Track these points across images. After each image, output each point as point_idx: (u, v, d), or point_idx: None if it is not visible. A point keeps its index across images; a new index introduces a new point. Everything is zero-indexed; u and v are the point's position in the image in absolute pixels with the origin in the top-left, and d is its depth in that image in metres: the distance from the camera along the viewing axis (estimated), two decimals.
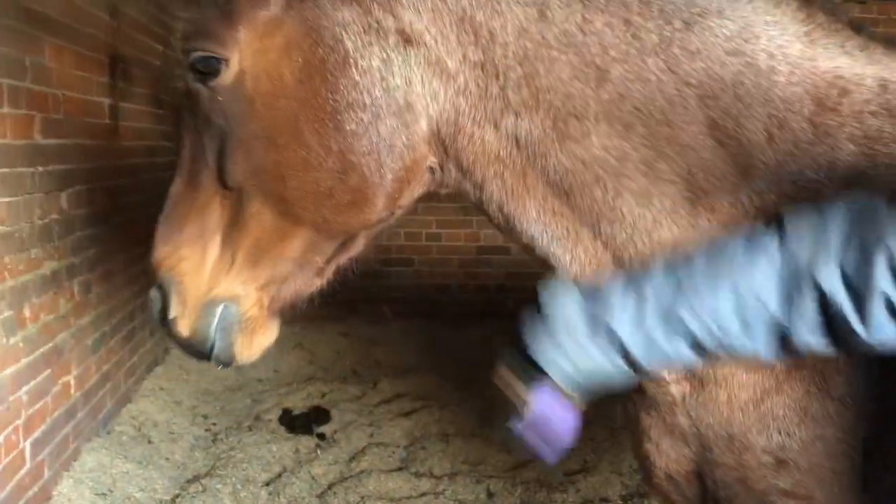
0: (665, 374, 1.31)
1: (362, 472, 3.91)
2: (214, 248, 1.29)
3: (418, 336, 5.54)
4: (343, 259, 1.38)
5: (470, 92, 1.24)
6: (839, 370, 1.19)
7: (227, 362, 1.36)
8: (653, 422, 1.39)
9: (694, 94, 1.21)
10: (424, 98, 1.24)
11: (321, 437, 4.31)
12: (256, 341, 1.35)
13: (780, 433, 1.22)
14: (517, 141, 1.25)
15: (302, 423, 4.45)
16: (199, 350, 1.36)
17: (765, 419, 1.23)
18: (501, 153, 1.26)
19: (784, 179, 1.21)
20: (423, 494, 3.74)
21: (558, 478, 3.94)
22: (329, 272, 1.38)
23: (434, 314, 5.66)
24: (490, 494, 3.82)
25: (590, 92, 1.20)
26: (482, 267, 6.13)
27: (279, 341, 5.05)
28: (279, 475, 3.83)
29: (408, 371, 5.19)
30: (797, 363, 1.20)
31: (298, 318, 5.48)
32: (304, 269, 1.32)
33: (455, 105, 1.25)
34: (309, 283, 1.35)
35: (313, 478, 3.85)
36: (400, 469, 3.98)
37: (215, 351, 1.35)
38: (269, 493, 3.66)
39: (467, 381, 4.99)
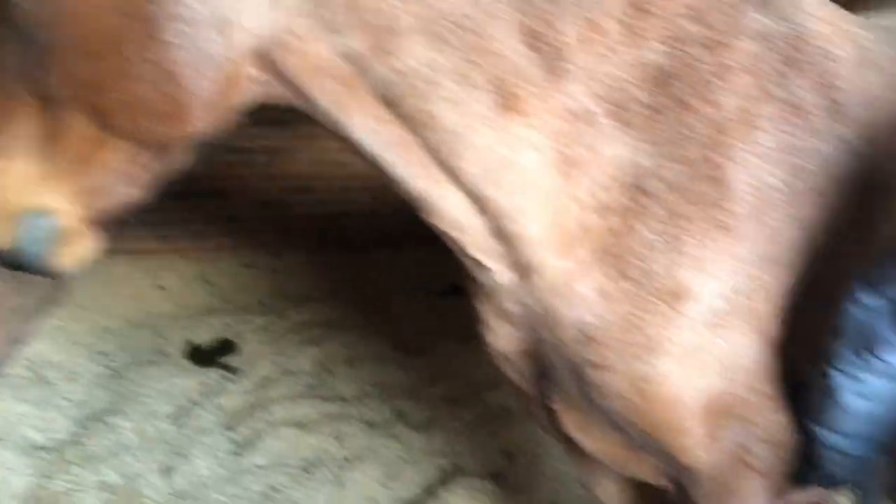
0: (492, 263, 1.40)
1: (270, 400, 3.91)
2: (27, 159, 1.24)
3: (323, 265, 5.50)
4: (164, 170, 1.36)
5: (290, 7, 1.23)
6: (634, 253, 1.34)
7: (44, 273, 1.34)
8: (488, 308, 1.52)
9: (506, 1, 1.25)
10: (245, 11, 1.21)
11: (228, 368, 4.27)
12: (74, 251, 1.33)
13: (586, 312, 1.36)
14: (341, 56, 1.27)
15: (207, 355, 4.40)
16: (13, 261, 1.34)
17: (574, 300, 1.36)
18: (327, 68, 1.28)
19: (596, 81, 1.29)
20: (331, 417, 3.79)
21: (465, 393, 4.06)
22: (150, 184, 1.35)
23: (339, 241, 5.61)
24: (399, 414, 3.91)
25: (400, 7, 1.23)
26: (387, 192, 6.08)
27: (182, 275, 4.92)
28: (185, 408, 3.80)
29: (314, 300, 5.17)
30: (602, 249, 1.35)
31: (201, 249, 5.37)
32: (122, 181, 1.29)
33: (276, 20, 1.24)
34: (128, 194, 1.33)
35: (221, 409, 3.83)
36: (308, 395, 4.01)
37: (31, 261, 1.32)
38: (175, 426, 3.63)
39: (374, 307, 5.02)
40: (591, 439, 1.56)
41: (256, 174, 5.54)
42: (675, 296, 1.33)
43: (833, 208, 1.37)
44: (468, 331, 1.68)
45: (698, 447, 1.41)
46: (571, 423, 1.56)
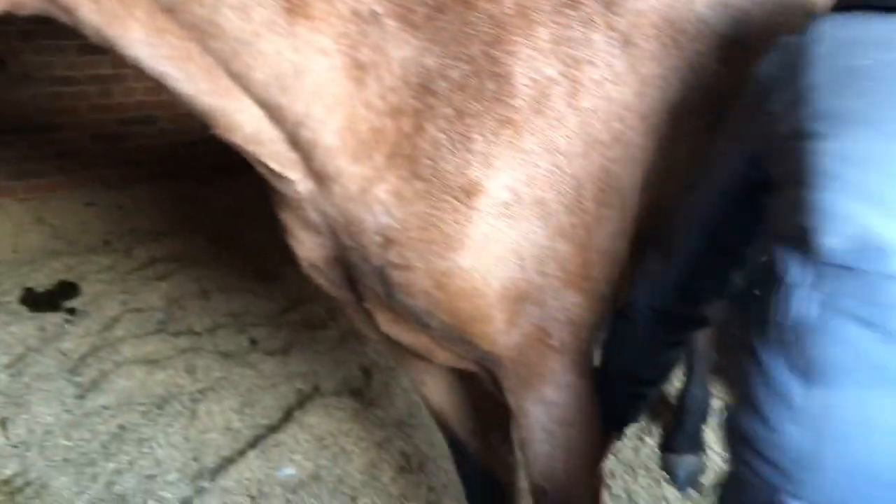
0: (291, 173, 1.38)
1: (117, 340, 3.77)
2: None
3: (170, 197, 5.29)
4: None
5: None
6: (426, 154, 1.35)
7: None
8: (291, 217, 1.51)
9: None
10: None
11: (70, 311, 4.07)
12: None
13: (384, 215, 1.37)
14: None
15: (46, 300, 4.18)
16: None
17: (371, 205, 1.37)
18: None
19: None
20: (183, 352, 3.70)
21: (321, 316, 4.05)
22: None
23: (183, 173, 5.39)
24: (253, 342, 3.86)
25: None
26: None
27: (15, 218, 4.58)
28: (22, 356, 3.60)
29: (162, 234, 4.98)
30: (395, 152, 1.35)
31: (35, 189, 5.00)
32: None
33: None
34: None
35: (62, 353, 3.66)
36: (158, 331, 3.89)
37: None
38: (11, 376, 3.45)
39: (223, 238, 4.89)
40: (403, 334, 1.59)
41: (88, 106, 5.20)
42: (466, 192, 1.34)
43: (610, 97, 1.41)
44: None
45: (499, 333, 1.46)
46: (383, 321, 1.58)
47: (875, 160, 1.01)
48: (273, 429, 3.23)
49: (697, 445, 2.98)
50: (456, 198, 1.35)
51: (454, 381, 1.93)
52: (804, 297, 1.03)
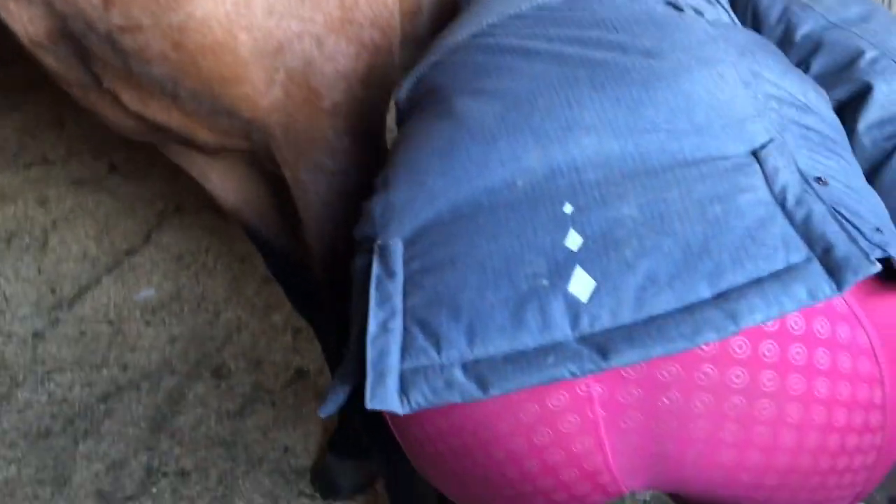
0: None
1: None
2: None
3: None
4: None
5: None
6: None
7: None
8: None
9: None
10: None
11: None
12: None
13: None
14: None
15: None
16: None
17: None
18: None
19: None
20: (34, 183, 3.46)
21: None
22: None
23: None
24: (112, 167, 3.62)
25: None
26: None
27: None
28: None
29: (8, 60, 4.55)
30: None
31: None
32: None
33: None
34: None
35: None
36: (6, 166, 3.62)
37: None
38: None
39: None
40: (155, 112, 1.38)
41: None
42: None
43: None
44: None
45: (258, 95, 1.26)
46: (130, 100, 1.35)
47: None
48: (132, 252, 3.09)
49: None
50: None
51: (245, 173, 1.76)
52: None
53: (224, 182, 1.77)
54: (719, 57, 1.00)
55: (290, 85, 1.28)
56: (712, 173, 0.88)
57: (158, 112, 1.37)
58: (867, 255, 0.79)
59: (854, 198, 0.92)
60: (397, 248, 0.94)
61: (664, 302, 0.80)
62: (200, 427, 2.41)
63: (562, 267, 0.84)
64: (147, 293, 2.91)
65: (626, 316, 0.80)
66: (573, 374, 0.80)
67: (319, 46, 1.27)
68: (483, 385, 0.81)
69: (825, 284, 0.79)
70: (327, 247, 1.47)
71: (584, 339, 0.81)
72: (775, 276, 0.79)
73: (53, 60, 1.35)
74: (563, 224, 0.86)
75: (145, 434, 2.40)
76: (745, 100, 0.96)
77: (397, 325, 0.87)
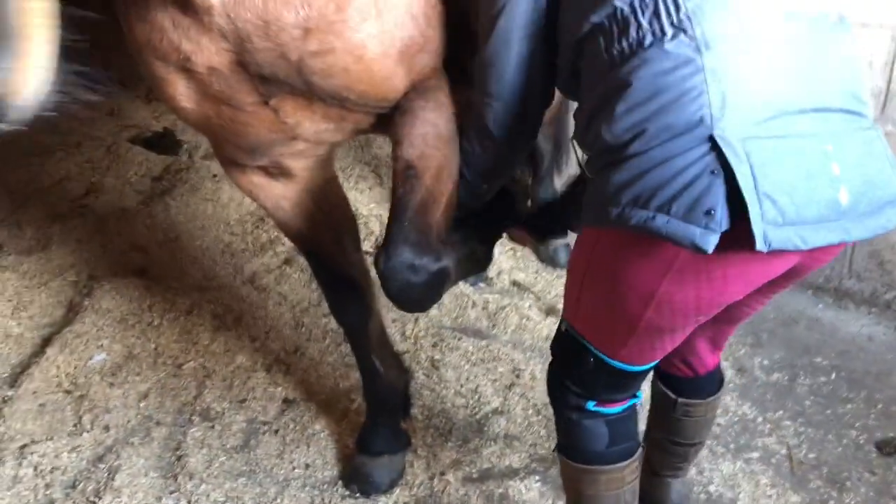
0: None
1: None
2: None
3: None
4: None
5: None
6: None
7: None
8: (190, 23, 1.53)
9: None
10: None
11: None
12: None
13: (302, 8, 1.51)
14: None
15: None
16: None
17: (290, 2, 1.50)
18: None
19: None
20: None
21: (66, 206, 3.74)
22: None
23: None
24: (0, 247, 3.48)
25: None
26: None
27: None
28: None
29: None
30: None
31: None
32: None
33: None
34: None
35: None
36: None
37: None
38: None
39: None
40: (307, 118, 1.72)
41: None
42: None
43: None
44: None
45: (400, 83, 1.68)
46: (292, 110, 1.69)
47: None
48: (65, 323, 3.03)
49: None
50: None
51: (309, 203, 2.04)
52: None
53: (294, 209, 2.02)
54: None
55: (421, 71, 1.71)
56: None
57: (312, 118, 1.69)
58: None
59: None
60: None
61: None
62: (213, 464, 2.50)
63: None
64: (99, 357, 2.90)
65: None
66: None
67: (438, 44, 1.73)
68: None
69: None
70: (419, 145, 1.72)
71: None
72: None
73: (223, 85, 1.62)
74: None
75: (160, 481, 2.44)
76: None
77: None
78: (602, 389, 1.65)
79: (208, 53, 1.55)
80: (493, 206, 1.91)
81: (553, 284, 3.36)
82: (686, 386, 1.93)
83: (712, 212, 1.23)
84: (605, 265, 1.47)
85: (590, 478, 1.74)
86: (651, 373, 1.78)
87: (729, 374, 2.84)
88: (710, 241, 1.24)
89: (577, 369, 1.64)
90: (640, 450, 1.78)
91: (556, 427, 1.79)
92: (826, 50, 1.38)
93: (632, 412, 1.74)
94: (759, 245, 1.23)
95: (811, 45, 1.37)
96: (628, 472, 1.74)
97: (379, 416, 2.43)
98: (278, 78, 1.59)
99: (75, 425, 2.64)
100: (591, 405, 1.66)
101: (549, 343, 1.76)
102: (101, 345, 2.94)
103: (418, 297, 1.73)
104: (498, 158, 1.76)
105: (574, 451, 1.74)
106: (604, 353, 1.57)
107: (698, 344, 1.85)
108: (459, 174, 1.75)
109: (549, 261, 3.49)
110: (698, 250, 1.25)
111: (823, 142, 1.30)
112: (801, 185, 1.27)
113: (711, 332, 1.81)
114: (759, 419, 2.66)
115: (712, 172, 1.24)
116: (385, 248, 1.64)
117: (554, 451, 1.82)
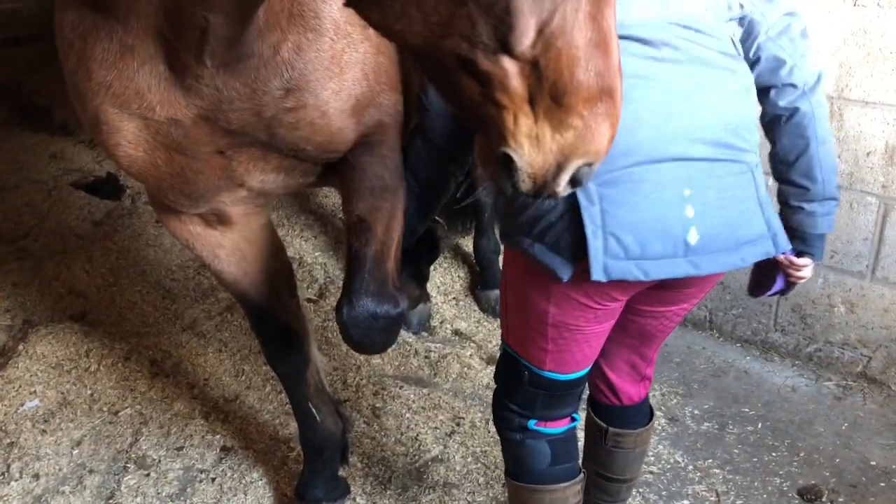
0: (207, 60, 1.51)
1: None
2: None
3: None
4: None
5: None
6: (306, 5, 1.61)
7: None
8: (170, 77, 1.56)
9: None
10: None
11: None
12: None
13: (288, 71, 1.59)
14: None
15: None
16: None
17: (280, 65, 1.59)
18: None
19: None
20: None
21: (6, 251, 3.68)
22: None
23: None
24: None
25: None
26: None
27: None
28: None
29: None
30: (290, 12, 1.58)
31: None
32: None
33: None
34: None
35: None
36: None
37: None
38: None
39: None
40: (264, 169, 1.80)
41: None
42: (336, 28, 1.65)
43: None
44: None
45: (351, 135, 1.77)
46: (245, 161, 1.75)
47: None
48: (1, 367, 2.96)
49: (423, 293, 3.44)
50: (331, 37, 1.64)
51: (244, 251, 2.08)
52: None
53: (229, 257, 2.06)
54: None
55: (370, 123, 1.80)
56: None
57: (263, 168, 1.79)
58: None
59: None
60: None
61: None
62: None
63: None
64: (32, 404, 2.83)
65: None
66: None
67: (386, 98, 1.83)
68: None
69: None
70: (368, 201, 1.80)
71: None
72: None
73: (180, 135, 1.65)
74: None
75: None
76: None
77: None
78: (540, 406, 1.81)
79: (177, 107, 1.58)
80: (420, 245, 2.03)
81: (494, 334, 3.42)
82: (615, 415, 2.06)
83: (569, 245, 1.51)
84: (515, 279, 1.74)
85: (536, 497, 1.85)
86: (585, 401, 1.95)
87: (661, 422, 2.94)
88: (566, 272, 1.53)
89: (515, 386, 1.82)
90: (581, 474, 1.90)
91: (503, 453, 1.93)
92: (713, 86, 1.56)
93: (571, 435, 1.89)
94: (596, 275, 1.48)
95: (693, 82, 1.54)
96: (571, 494, 1.85)
97: (316, 465, 2.43)
98: (245, 131, 1.64)
99: (3, 474, 2.56)
100: (532, 423, 1.82)
101: (489, 391, 1.85)
102: (35, 391, 2.88)
103: (381, 342, 1.79)
104: (436, 165, 1.92)
105: (520, 471, 1.87)
106: (532, 363, 1.77)
107: (619, 366, 2.00)
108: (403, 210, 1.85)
109: (490, 310, 3.56)
110: (557, 278, 1.53)
111: (681, 187, 1.50)
112: (648, 226, 1.49)
113: (627, 353, 1.97)
114: (690, 467, 2.74)
115: (573, 211, 1.49)
116: (347, 298, 1.69)
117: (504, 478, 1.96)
